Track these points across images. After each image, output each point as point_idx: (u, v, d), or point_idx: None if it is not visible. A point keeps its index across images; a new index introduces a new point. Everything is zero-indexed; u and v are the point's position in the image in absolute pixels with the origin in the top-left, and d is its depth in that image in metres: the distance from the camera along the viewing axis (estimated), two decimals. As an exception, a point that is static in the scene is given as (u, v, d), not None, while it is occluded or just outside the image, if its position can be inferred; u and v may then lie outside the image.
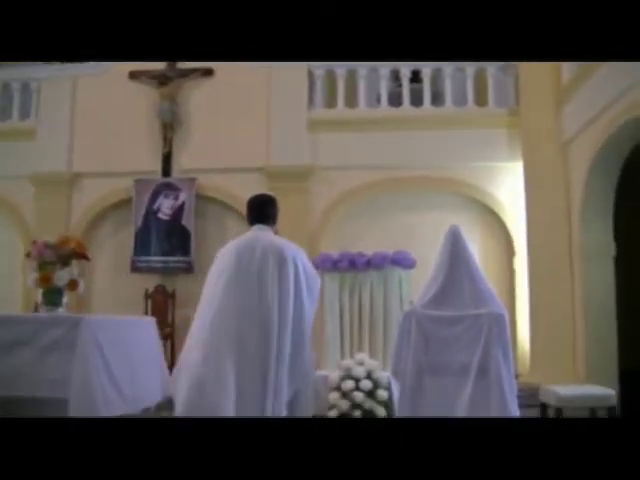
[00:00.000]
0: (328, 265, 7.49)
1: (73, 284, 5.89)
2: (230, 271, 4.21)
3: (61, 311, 5.80)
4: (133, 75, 10.81)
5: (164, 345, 10.03)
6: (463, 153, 10.13)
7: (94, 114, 10.88)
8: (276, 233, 4.43)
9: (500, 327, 4.53)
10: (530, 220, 9.48)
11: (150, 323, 6.85)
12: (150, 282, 10.56)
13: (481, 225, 10.35)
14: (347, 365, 6.31)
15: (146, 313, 10.34)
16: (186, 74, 10.70)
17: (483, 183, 10.20)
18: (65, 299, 5.96)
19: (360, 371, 6.21)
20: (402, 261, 7.38)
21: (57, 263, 5.86)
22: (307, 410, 4.31)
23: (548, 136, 9.35)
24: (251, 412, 3.97)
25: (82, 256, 6.02)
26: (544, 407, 6.78)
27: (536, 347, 9.21)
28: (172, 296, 10.44)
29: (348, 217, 10.47)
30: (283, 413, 4.08)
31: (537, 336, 9.21)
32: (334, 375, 6.25)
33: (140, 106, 10.75)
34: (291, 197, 10.11)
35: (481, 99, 10.49)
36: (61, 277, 5.78)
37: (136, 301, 10.42)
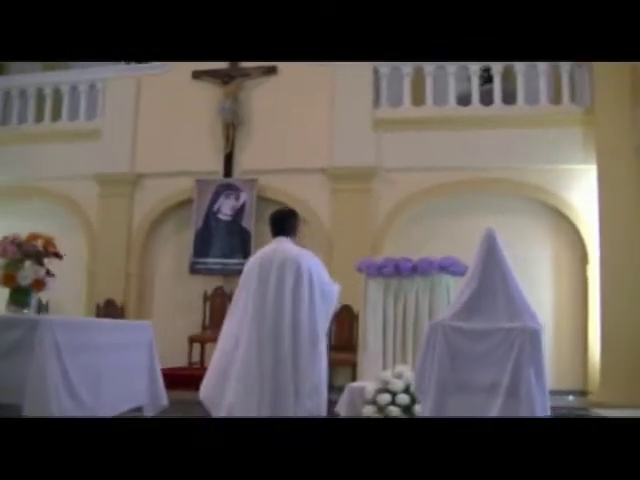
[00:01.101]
0: (372, 270, 7.11)
1: (39, 284, 5.48)
2: (253, 280, 4.72)
3: (26, 312, 5.40)
4: (196, 75, 10.71)
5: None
6: (535, 154, 9.63)
7: (157, 114, 10.86)
8: (296, 243, 4.89)
9: (534, 344, 4.11)
10: (604, 226, 8.94)
11: (144, 328, 6.49)
12: (210, 284, 10.45)
13: (552, 231, 9.84)
14: (385, 377, 5.88)
15: (204, 316, 10.25)
16: (249, 73, 10.54)
17: (555, 186, 9.64)
18: (34, 299, 5.61)
19: (398, 384, 5.78)
20: (450, 267, 6.86)
21: (23, 261, 5.44)
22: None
23: (624, 136, 8.84)
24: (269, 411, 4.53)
25: (54, 254, 5.65)
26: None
27: (607, 363, 8.67)
28: (230, 299, 10.17)
29: (412, 220, 10.10)
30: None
31: (608, 351, 8.66)
32: (370, 387, 5.89)
33: (203, 106, 10.63)
34: (354, 199, 9.98)
35: (555, 97, 9.96)
36: (25, 276, 5.38)
37: (195, 303, 10.35)
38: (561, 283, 9.66)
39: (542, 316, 9.02)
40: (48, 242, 5.62)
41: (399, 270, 7.02)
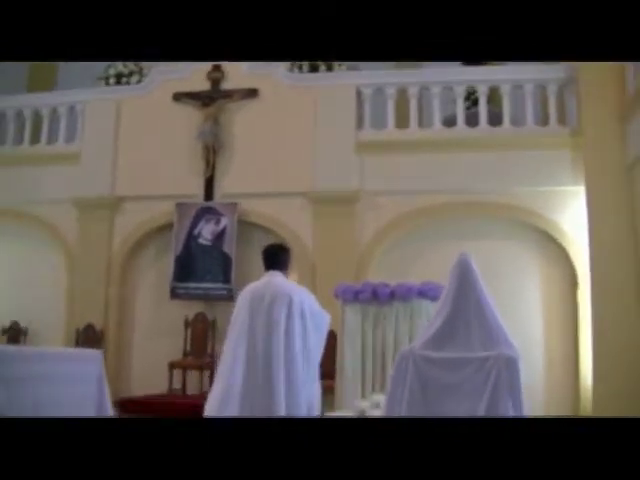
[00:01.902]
0: (349, 296, 6.97)
1: None
2: (245, 313, 4.90)
3: None
4: (177, 97, 10.53)
5: (201, 375, 9.72)
6: (522, 176, 9.42)
7: (137, 136, 10.67)
8: (287, 277, 5.12)
9: (511, 373, 3.90)
10: (594, 248, 8.71)
11: (93, 358, 6.19)
12: (191, 309, 10.20)
13: (541, 254, 9.60)
14: (362, 407, 5.66)
15: (185, 342, 10.04)
16: (230, 95, 10.36)
17: (544, 209, 9.40)
18: None
19: (375, 414, 5.58)
20: (430, 292, 6.74)
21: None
22: None
23: (613, 156, 8.63)
24: None
25: None
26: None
27: (599, 389, 8.37)
28: (212, 324, 10.05)
29: (397, 244, 9.86)
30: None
31: (601, 377, 8.38)
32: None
33: (183, 128, 10.43)
34: (337, 223, 9.80)
35: (541, 118, 9.78)
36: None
37: (176, 329, 10.10)
38: (551, 308, 9.42)
39: (532, 342, 8.99)
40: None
41: (377, 296, 6.92)
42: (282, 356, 4.70)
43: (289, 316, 4.78)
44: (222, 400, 4.83)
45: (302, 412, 4.76)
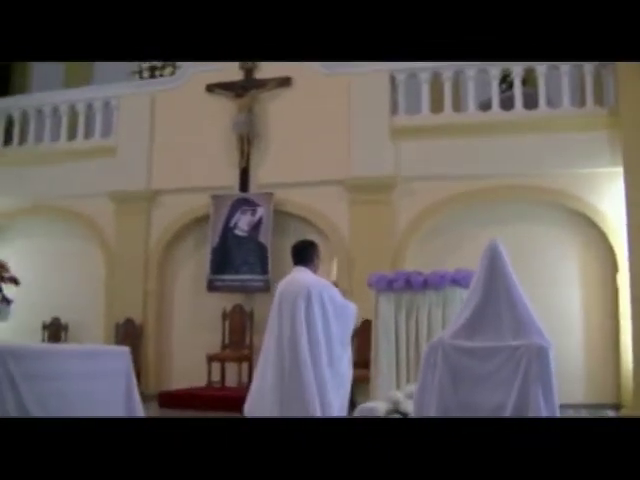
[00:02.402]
0: (382, 285, 6.89)
1: None
2: (274, 311, 5.10)
3: None
4: (210, 88, 10.54)
5: (240, 367, 9.72)
6: (559, 159, 9.22)
7: (172, 129, 10.71)
8: (315, 272, 5.22)
9: (542, 362, 3.84)
10: (633, 230, 8.52)
11: (121, 355, 6.17)
12: (228, 301, 10.23)
13: (580, 239, 9.42)
14: (396, 397, 5.59)
15: (224, 334, 10.05)
16: (263, 84, 10.34)
17: (582, 191, 9.23)
18: None
19: (409, 405, 5.32)
20: (463, 280, 6.61)
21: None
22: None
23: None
24: None
25: (9, 279, 5.38)
26: None
27: (641, 375, 8.21)
28: (250, 316, 10.05)
29: (434, 231, 9.78)
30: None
31: (642, 363, 8.21)
32: (381, 408, 5.51)
33: (217, 120, 10.45)
34: (373, 210, 9.72)
35: (578, 99, 9.60)
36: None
37: (214, 322, 10.14)
38: (590, 293, 9.24)
39: (571, 328, 8.82)
40: (1, 267, 5.40)
41: (410, 284, 6.81)
42: (306, 345, 4.83)
43: (308, 307, 4.91)
44: (256, 397, 5.02)
45: (331, 398, 4.86)
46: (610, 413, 8.38)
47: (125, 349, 6.35)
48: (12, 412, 4.65)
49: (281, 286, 5.22)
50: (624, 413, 8.29)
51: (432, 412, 4.01)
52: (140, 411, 6.04)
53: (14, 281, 5.45)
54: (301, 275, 5.17)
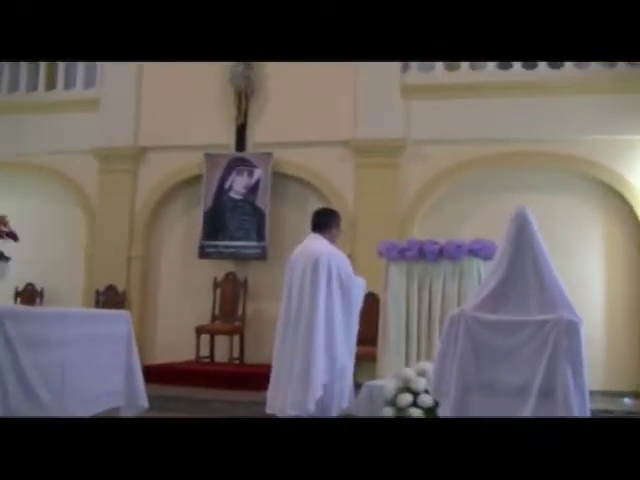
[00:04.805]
0: (394, 254, 6.45)
1: None
2: (286, 275, 5.17)
3: None
4: (205, 36, 9.76)
5: (231, 340, 9.10)
6: (583, 123, 8.72)
7: (162, 81, 9.98)
8: (333, 242, 5.22)
9: (571, 338, 3.63)
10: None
11: (121, 319, 6.03)
12: (220, 269, 9.62)
13: (604, 210, 8.91)
14: (406, 375, 5.30)
15: (214, 304, 9.44)
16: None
17: (606, 159, 8.70)
18: None
19: (421, 383, 5.18)
20: (481, 251, 6.25)
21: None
22: (338, 400, 4.99)
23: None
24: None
25: (8, 234, 5.14)
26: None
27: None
28: (244, 285, 9.43)
29: (445, 198, 9.25)
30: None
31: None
32: (390, 386, 5.28)
33: (212, 72, 9.67)
34: (380, 174, 9.27)
35: (607, 59, 9.00)
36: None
37: (204, 290, 9.55)
38: (613, 270, 8.76)
39: (592, 308, 8.25)
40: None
41: (424, 254, 6.40)
42: (307, 310, 4.91)
43: (313, 276, 4.94)
44: (273, 380, 5.05)
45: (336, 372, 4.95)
46: (627, 401, 7.89)
47: (126, 313, 6.29)
48: (9, 375, 4.53)
49: (294, 254, 5.21)
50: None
51: (452, 387, 3.88)
52: (140, 379, 5.93)
53: (13, 237, 5.07)
54: (312, 243, 5.17)
